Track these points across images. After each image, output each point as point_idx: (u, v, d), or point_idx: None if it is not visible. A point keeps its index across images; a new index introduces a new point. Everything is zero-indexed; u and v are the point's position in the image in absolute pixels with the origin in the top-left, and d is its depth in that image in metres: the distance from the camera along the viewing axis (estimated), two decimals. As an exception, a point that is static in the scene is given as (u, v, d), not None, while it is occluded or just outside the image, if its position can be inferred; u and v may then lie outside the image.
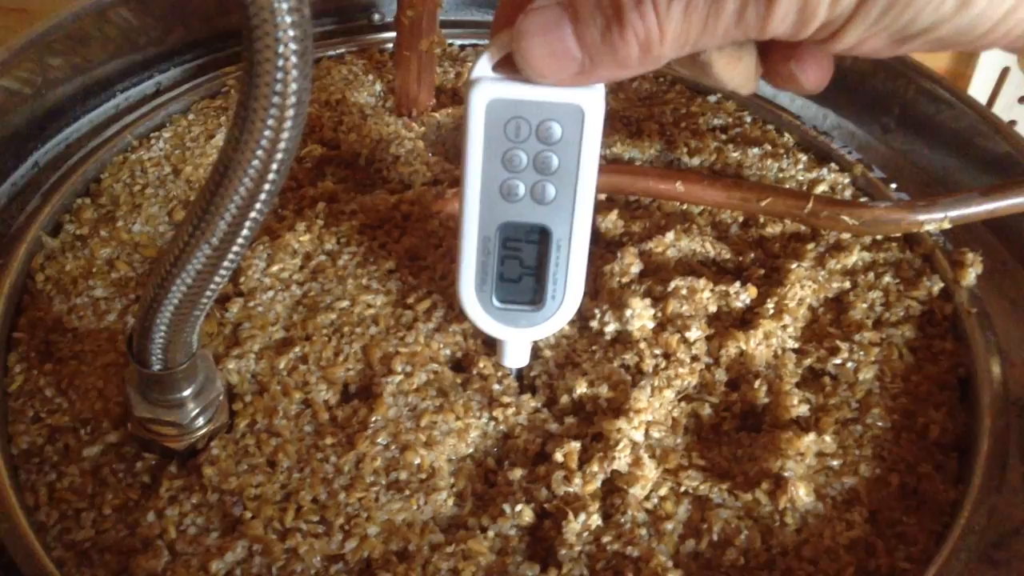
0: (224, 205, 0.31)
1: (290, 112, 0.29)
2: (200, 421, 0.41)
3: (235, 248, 0.33)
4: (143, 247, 0.53)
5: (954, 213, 0.52)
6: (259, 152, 0.30)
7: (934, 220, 0.52)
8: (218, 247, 0.32)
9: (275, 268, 0.50)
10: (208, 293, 0.34)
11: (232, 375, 0.45)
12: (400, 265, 0.52)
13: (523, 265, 0.43)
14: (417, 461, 0.43)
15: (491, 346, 0.47)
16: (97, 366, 0.45)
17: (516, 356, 0.47)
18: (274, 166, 0.31)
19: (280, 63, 0.28)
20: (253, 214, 0.32)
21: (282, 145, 0.30)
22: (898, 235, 0.56)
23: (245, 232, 0.32)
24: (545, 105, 0.38)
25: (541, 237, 0.42)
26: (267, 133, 0.30)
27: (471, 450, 0.45)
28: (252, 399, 0.44)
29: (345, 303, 0.49)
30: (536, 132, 0.39)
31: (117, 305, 0.49)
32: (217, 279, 0.34)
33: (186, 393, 0.40)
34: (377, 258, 0.52)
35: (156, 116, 0.61)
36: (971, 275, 0.53)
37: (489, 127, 0.39)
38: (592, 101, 0.38)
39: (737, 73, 0.38)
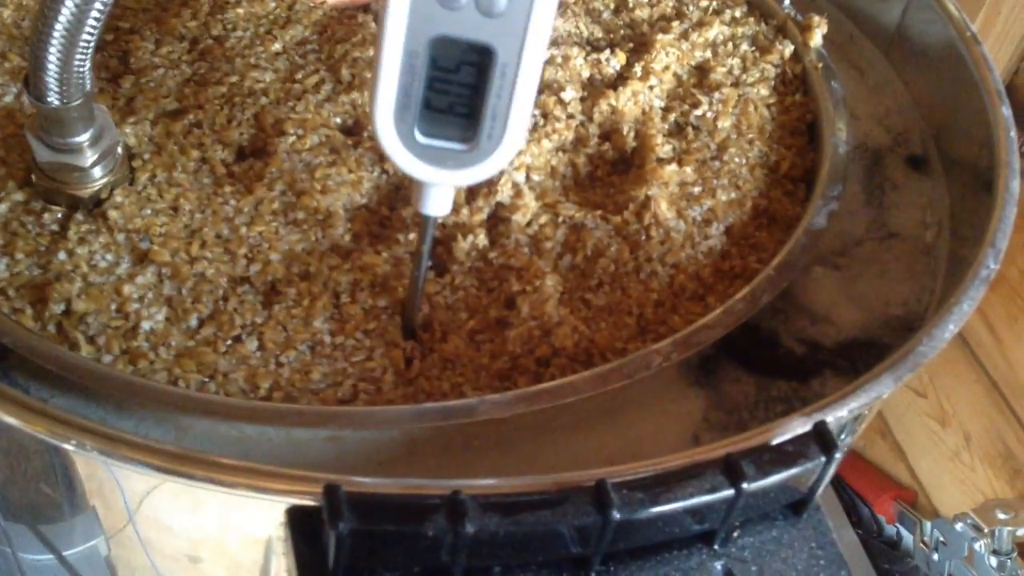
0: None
1: None
2: (99, 170, 0.43)
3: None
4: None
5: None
6: None
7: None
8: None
9: (164, 50, 0.52)
10: (95, 13, 0.36)
11: (130, 138, 0.47)
12: (287, 48, 0.54)
13: (456, 93, 0.34)
14: (314, 204, 0.46)
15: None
16: (-2, 139, 0.47)
17: (438, 203, 0.38)
18: None
19: None
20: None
21: None
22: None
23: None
24: None
25: (482, 59, 0.33)
26: None
27: (365, 200, 0.49)
28: (151, 157, 0.47)
29: (234, 78, 0.51)
30: None
31: (12, 89, 0.50)
32: (102, -4, 0.36)
33: (83, 137, 0.42)
34: (264, 42, 0.54)
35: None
36: (817, 36, 0.58)
37: None
38: None
39: None
